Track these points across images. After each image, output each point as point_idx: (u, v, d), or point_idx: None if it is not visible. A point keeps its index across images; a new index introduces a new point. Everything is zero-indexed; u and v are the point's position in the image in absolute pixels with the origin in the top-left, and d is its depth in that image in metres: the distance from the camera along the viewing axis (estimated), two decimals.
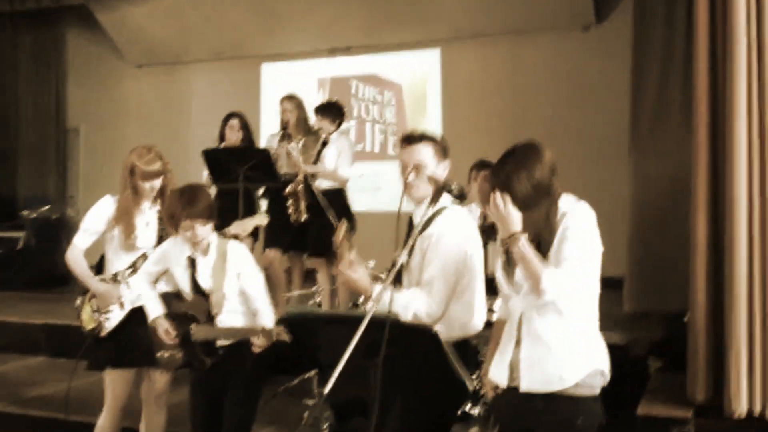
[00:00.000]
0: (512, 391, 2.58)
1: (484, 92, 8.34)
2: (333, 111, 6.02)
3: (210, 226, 3.48)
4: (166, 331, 3.47)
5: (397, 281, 3.02)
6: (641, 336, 4.86)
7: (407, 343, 2.70)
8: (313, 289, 4.23)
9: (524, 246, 2.46)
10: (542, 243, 2.52)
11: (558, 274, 2.43)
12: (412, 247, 2.97)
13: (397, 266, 2.85)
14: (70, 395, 4.12)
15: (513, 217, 2.49)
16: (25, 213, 9.15)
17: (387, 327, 2.48)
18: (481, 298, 3.03)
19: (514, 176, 2.52)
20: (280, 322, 2.92)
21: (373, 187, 8.08)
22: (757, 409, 3.55)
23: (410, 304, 2.91)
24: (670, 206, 5.14)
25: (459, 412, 3.36)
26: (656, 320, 4.94)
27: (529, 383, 2.53)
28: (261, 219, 4.02)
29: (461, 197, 2.84)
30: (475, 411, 3.49)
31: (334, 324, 2.84)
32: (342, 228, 3.03)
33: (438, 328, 2.93)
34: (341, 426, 3.70)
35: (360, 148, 8.81)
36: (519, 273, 2.57)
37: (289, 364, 4.34)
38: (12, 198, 9.80)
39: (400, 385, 2.95)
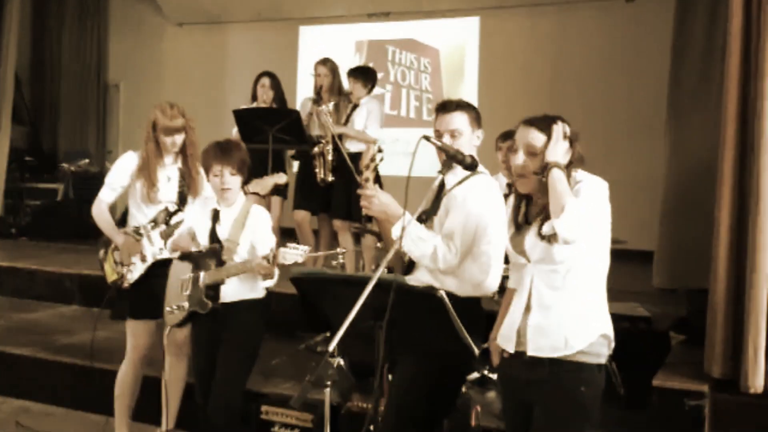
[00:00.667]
0: (518, 356, 2.59)
1: (523, 63, 8.25)
2: (365, 75, 6.02)
3: (239, 178, 3.57)
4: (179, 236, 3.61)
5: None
6: (667, 310, 4.84)
7: (414, 306, 2.72)
8: (338, 250, 4.27)
9: (560, 175, 2.46)
10: (543, 205, 2.53)
11: (579, 208, 2.41)
12: (439, 204, 3.01)
13: (418, 213, 2.90)
14: (96, 344, 4.26)
15: (560, 149, 2.52)
16: (64, 166, 9.33)
17: (393, 289, 2.50)
18: (499, 263, 3.03)
19: (551, 123, 2.54)
20: (292, 281, 2.96)
21: (406, 153, 8.06)
22: None
23: (432, 240, 2.95)
24: (704, 184, 5.06)
25: (477, 376, 3.39)
26: (683, 296, 4.90)
27: (535, 348, 2.55)
28: (279, 178, 4.06)
29: (472, 167, 2.83)
30: (494, 375, 3.52)
31: (344, 285, 2.87)
32: (370, 152, 3.05)
33: (450, 284, 2.97)
34: (359, 383, 3.78)
35: (395, 114, 8.80)
36: (529, 242, 2.58)
37: (307, 323, 4.43)
38: (53, 151, 10.00)
39: (409, 347, 3.00)
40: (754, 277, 3.54)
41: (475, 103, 8.52)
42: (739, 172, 3.69)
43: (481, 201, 3.00)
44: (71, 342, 5.38)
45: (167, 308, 3.68)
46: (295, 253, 3.33)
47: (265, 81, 6.18)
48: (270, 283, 3.53)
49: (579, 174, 2.58)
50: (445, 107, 3.10)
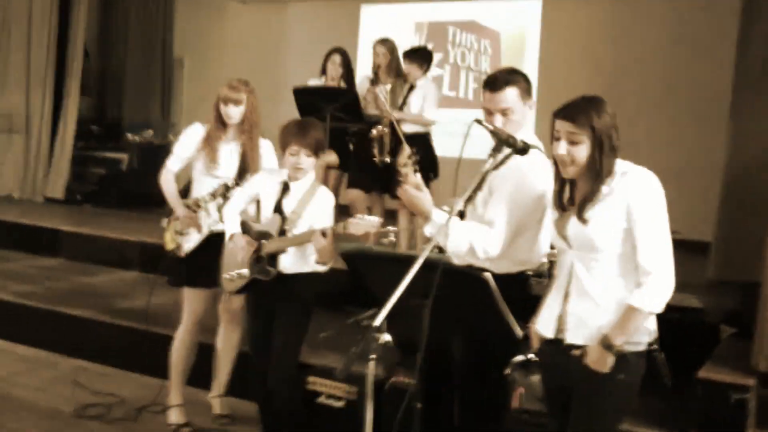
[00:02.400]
0: (557, 342, 2.61)
1: (584, 48, 8.15)
2: (421, 56, 6.03)
3: (313, 159, 3.63)
4: (242, 247, 3.62)
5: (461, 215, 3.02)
6: (719, 303, 4.78)
7: (459, 287, 2.74)
8: (390, 228, 4.30)
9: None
10: (590, 189, 2.52)
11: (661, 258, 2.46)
12: (483, 180, 2.94)
13: (466, 195, 2.86)
14: (153, 309, 4.41)
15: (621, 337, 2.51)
16: (129, 136, 9.57)
17: (439, 270, 2.51)
18: (546, 237, 2.98)
19: (589, 113, 2.49)
20: (342, 256, 3.02)
21: (463, 134, 8.00)
22: None
23: (466, 237, 2.92)
24: (763, 176, 4.97)
25: (522, 358, 3.41)
26: (737, 288, 4.83)
27: (574, 337, 2.56)
28: (331, 157, 4.13)
29: (523, 152, 2.80)
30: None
31: (392, 263, 2.90)
32: (405, 151, 3.06)
33: (495, 264, 2.94)
34: (405, 359, 3.84)
35: (453, 95, 8.79)
36: (571, 227, 2.58)
37: (356, 298, 4.50)
38: (118, 121, 10.26)
39: (454, 328, 3.03)
40: None
41: (534, 86, 8.45)
42: None
43: (526, 183, 2.92)
44: (129, 306, 5.55)
45: (226, 276, 3.76)
46: (366, 224, 3.35)
47: (336, 58, 6.23)
48: (323, 268, 3.59)
49: (624, 165, 2.54)
50: (493, 84, 2.99)
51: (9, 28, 9.16)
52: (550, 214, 2.79)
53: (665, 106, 7.68)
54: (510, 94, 2.97)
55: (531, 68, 8.48)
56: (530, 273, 3.10)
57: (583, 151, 2.51)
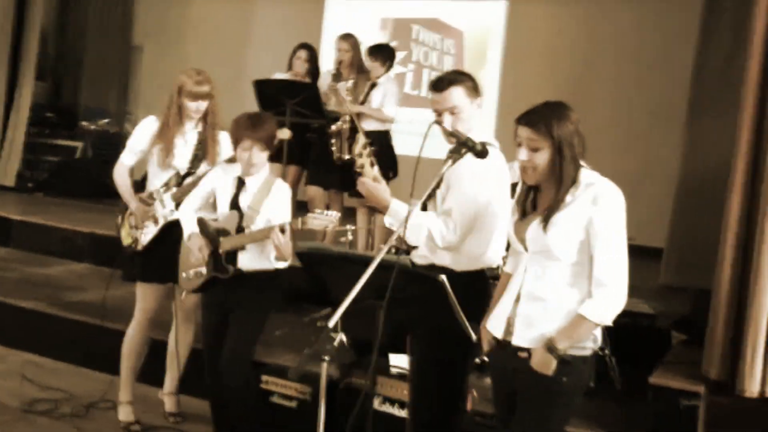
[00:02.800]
0: (506, 344, 2.63)
1: (548, 50, 8.18)
2: (384, 53, 6.01)
3: (266, 154, 3.59)
4: (199, 248, 3.59)
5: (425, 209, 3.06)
6: (671, 309, 4.85)
7: (415, 288, 2.76)
8: (348, 227, 4.31)
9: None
10: (554, 196, 2.53)
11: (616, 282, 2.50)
12: (441, 180, 2.97)
13: (426, 195, 2.90)
14: (107, 303, 4.34)
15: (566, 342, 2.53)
16: (84, 124, 9.38)
17: (395, 271, 2.52)
18: (501, 238, 3.02)
19: (550, 121, 2.51)
20: (297, 255, 3.00)
21: (423, 134, 8.02)
22: None
23: (425, 224, 2.96)
24: (717, 185, 5.05)
25: (477, 361, 3.43)
26: (688, 295, 4.91)
27: (520, 339, 2.58)
28: (283, 133, 4.10)
29: (482, 155, 2.82)
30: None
31: (347, 262, 2.90)
32: (360, 140, 3.06)
33: (446, 258, 2.99)
34: (360, 360, 3.83)
35: (416, 94, 8.78)
36: (530, 232, 2.59)
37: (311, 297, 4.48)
38: (73, 108, 10.04)
39: (410, 329, 3.04)
40: (757, 282, 3.54)
41: (496, 87, 8.52)
42: (750, 177, 3.68)
43: (482, 177, 2.96)
44: (81, 299, 5.46)
45: (183, 274, 3.73)
46: (325, 219, 3.34)
47: (302, 53, 6.20)
48: (282, 264, 3.56)
49: (591, 176, 2.55)
50: (438, 85, 3.05)
51: None
52: (508, 216, 2.82)
53: (624, 112, 7.77)
54: (455, 93, 3.02)
55: (493, 69, 8.53)
56: (488, 273, 3.15)
57: (543, 158, 2.53)
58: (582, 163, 2.56)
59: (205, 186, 3.75)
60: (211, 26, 9.83)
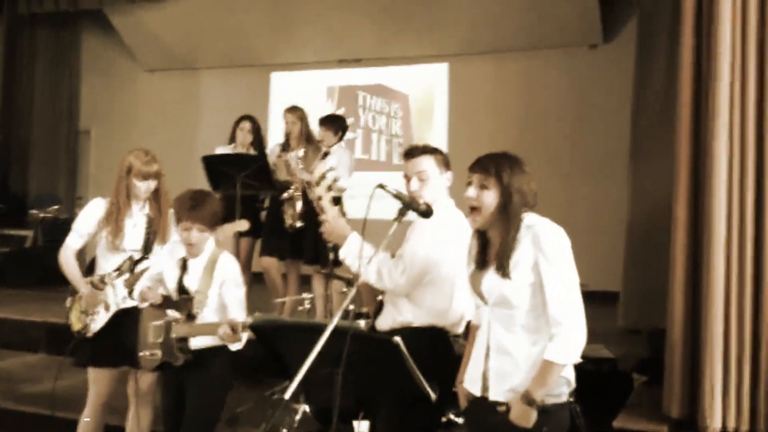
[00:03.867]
0: (483, 400, 2.61)
1: (491, 107, 8.40)
2: (335, 123, 6.06)
3: (208, 233, 3.54)
4: (148, 288, 3.55)
5: None
6: (631, 351, 4.88)
7: (371, 353, 2.76)
8: (304, 295, 4.28)
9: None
10: (504, 243, 2.56)
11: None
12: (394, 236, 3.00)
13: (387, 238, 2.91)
14: (61, 393, 4.23)
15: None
16: (34, 212, 9.26)
17: (349, 337, 2.54)
18: (462, 293, 3.11)
19: (501, 167, 2.57)
20: (251, 328, 2.97)
21: (377, 196, 8.06)
22: (731, 425, 3.56)
23: (376, 260, 3.08)
24: (665, 224, 5.16)
25: (443, 420, 3.40)
26: (647, 336, 4.95)
27: (496, 394, 2.58)
28: (241, 225, 4.09)
29: (427, 214, 2.90)
30: (460, 419, 3.53)
31: (301, 332, 2.89)
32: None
33: (408, 313, 3.11)
34: (322, 429, 3.77)
35: (366, 158, 8.89)
36: (485, 283, 2.61)
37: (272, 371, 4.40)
38: (22, 196, 9.93)
39: (373, 394, 3.01)
40: (708, 318, 3.60)
41: (444, 145, 8.63)
42: (692, 214, 3.78)
43: (434, 234, 3.10)
44: (35, 390, 5.30)
45: (142, 353, 3.61)
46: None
47: (245, 125, 6.23)
48: (237, 346, 3.48)
49: (529, 218, 2.60)
50: (411, 153, 3.27)
51: None
52: (462, 273, 2.84)
53: (570, 162, 7.94)
54: (425, 161, 3.23)
55: (440, 129, 8.69)
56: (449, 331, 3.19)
57: (491, 198, 2.56)
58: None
59: (153, 269, 3.71)
60: (158, 106, 9.89)
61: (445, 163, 3.26)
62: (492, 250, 2.64)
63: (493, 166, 2.58)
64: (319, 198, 3.18)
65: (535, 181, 2.63)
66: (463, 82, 8.61)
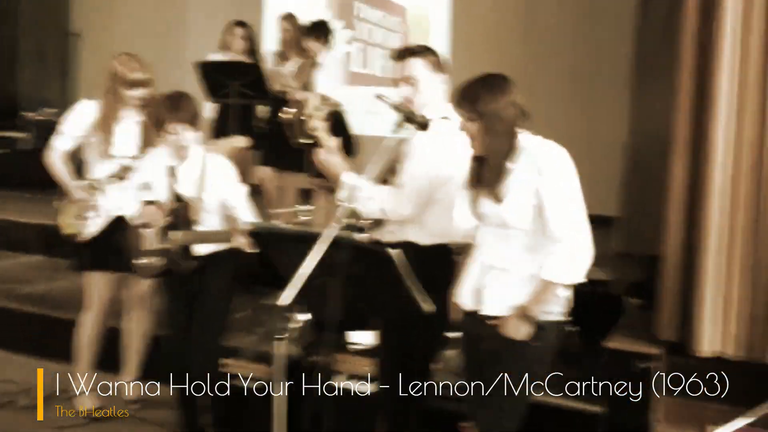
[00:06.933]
0: (475, 314, 2.67)
1: (493, 20, 8.17)
2: (319, 30, 5.82)
3: (195, 133, 3.48)
4: (153, 213, 3.46)
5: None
6: (625, 275, 4.94)
7: (366, 264, 2.74)
8: (300, 207, 4.26)
9: None
10: (494, 168, 2.56)
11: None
12: (395, 152, 2.98)
13: (375, 171, 2.91)
14: (57, 294, 4.26)
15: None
16: (28, 114, 9.12)
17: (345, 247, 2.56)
18: (462, 209, 2.93)
19: (477, 97, 2.54)
20: (250, 235, 2.98)
21: (374, 111, 8.02)
22: (721, 350, 3.64)
23: (376, 198, 2.97)
24: (663, 149, 5.14)
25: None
26: (640, 261, 5.00)
27: (490, 308, 2.63)
28: (238, 141, 4.02)
29: (423, 127, 2.85)
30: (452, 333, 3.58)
31: (299, 240, 2.88)
32: (311, 102, 3.05)
33: (411, 233, 3.00)
34: (321, 340, 3.83)
35: (363, 72, 8.73)
36: (485, 206, 2.62)
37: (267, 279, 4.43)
38: (13, 99, 9.74)
39: (368, 305, 3.04)
40: (703, 242, 3.63)
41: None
42: (692, 137, 3.74)
43: (432, 150, 2.96)
44: (32, 291, 5.37)
45: (139, 262, 3.58)
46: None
47: (238, 30, 6.01)
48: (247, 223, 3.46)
49: (531, 140, 2.58)
50: (398, 54, 3.07)
51: None
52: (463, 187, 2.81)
53: (572, 80, 7.82)
54: (414, 64, 3.01)
55: (440, 45, 8.50)
56: (452, 247, 3.13)
57: (475, 127, 2.57)
58: (520, 131, 2.59)
59: (137, 179, 3.62)
60: (148, 6, 9.54)
61: (438, 64, 3.05)
62: (489, 173, 2.63)
63: (467, 98, 2.56)
64: (314, 129, 3.09)
65: (521, 96, 2.59)
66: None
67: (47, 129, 8.80)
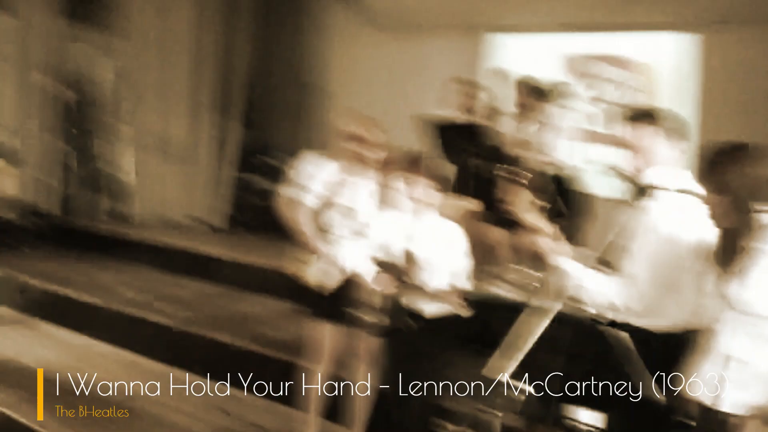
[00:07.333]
0: (714, 411, 2.48)
1: (747, 87, 7.57)
2: (547, 93, 5.80)
3: (435, 192, 3.55)
4: (388, 280, 3.57)
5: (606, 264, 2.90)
6: None
7: (593, 344, 2.69)
8: (527, 271, 4.18)
9: None
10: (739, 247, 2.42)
11: None
12: (620, 227, 2.85)
13: (605, 244, 2.82)
14: (296, 341, 4.46)
15: None
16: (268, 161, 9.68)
17: (572, 325, 2.55)
18: (703, 289, 2.76)
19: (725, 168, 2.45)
20: (467, 303, 3.01)
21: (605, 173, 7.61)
22: None
23: (605, 292, 2.79)
24: None
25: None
26: None
27: (732, 406, 2.44)
28: (471, 204, 4.07)
29: (657, 201, 2.72)
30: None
31: (516, 310, 2.85)
32: (524, 195, 3.00)
33: (646, 321, 2.80)
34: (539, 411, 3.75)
35: (599, 131, 8.48)
36: (732, 287, 2.46)
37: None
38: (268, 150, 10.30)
39: (591, 385, 2.93)
40: None
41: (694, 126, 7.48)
42: None
43: (672, 227, 2.75)
44: (275, 336, 5.64)
45: (364, 316, 3.77)
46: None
47: (470, 90, 5.99)
48: (464, 285, 3.55)
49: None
50: (630, 117, 2.94)
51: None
52: (705, 267, 2.66)
53: None
54: (647, 131, 2.88)
55: (685, 109, 7.98)
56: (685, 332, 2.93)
57: (717, 198, 2.47)
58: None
59: (374, 237, 3.77)
60: (383, 67, 9.69)
61: (677, 131, 2.88)
62: (735, 251, 2.49)
63: (710, 166, 2.45)
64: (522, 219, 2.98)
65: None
66: (716, 57, 7.79)
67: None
